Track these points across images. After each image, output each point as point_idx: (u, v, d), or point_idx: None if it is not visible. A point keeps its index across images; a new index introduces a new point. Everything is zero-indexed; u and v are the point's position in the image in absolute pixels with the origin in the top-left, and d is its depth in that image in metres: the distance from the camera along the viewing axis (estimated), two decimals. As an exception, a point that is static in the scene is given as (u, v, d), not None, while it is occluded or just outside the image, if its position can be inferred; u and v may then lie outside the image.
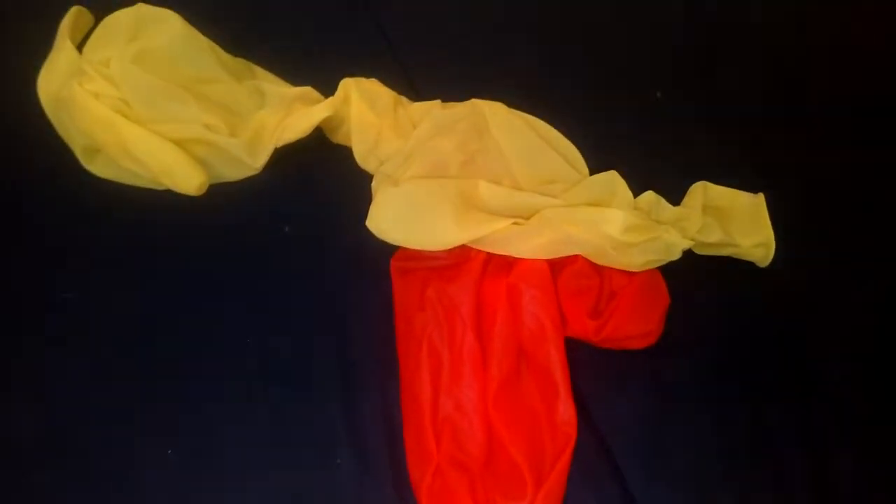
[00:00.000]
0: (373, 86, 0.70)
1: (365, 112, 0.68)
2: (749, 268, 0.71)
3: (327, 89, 0.70)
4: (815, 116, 0.81)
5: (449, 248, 0.63)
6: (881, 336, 0.71)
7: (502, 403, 0.60)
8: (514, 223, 0.63)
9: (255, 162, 0.67)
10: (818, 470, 0.64)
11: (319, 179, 0.71)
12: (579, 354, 0.64)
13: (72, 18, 0.69)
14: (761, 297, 0.71)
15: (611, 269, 0.65)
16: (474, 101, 0.71)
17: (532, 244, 0.64)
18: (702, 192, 0.70)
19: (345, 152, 0.70)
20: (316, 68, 0.73)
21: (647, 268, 0.65)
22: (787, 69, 0.83)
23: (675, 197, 0.70)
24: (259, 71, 0.74)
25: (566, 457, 0.59)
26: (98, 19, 0.70)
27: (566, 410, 0.60)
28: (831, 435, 0.66)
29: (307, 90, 0.71)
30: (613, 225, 0.62)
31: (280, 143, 0.67)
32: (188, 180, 0.66)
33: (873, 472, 0.65)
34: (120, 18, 0.68)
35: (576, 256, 0.65)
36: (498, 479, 0.59)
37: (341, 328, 0.65)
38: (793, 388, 0.68)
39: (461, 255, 0.65)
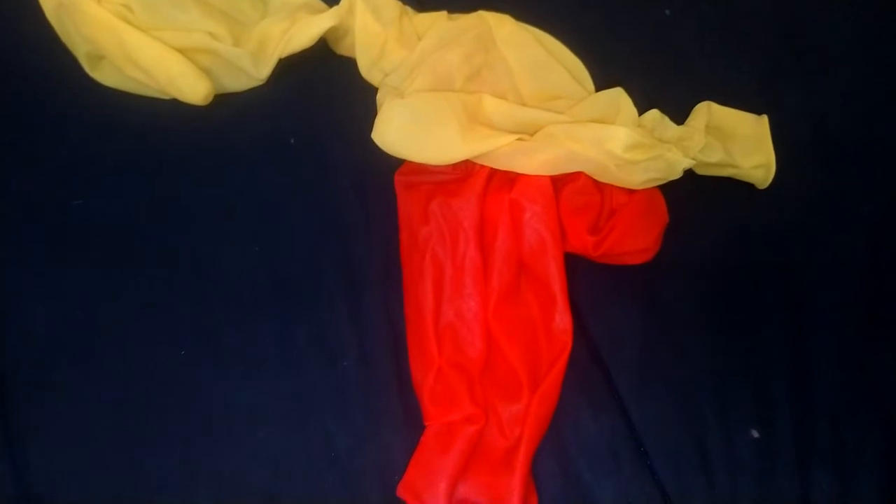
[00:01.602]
0: (378, -5, 0.69)
1: (370, 22, 0.67)
2: (747, 191, 0.72)
3: (330, -3, 0.69)
4: (823, 41, 0.79)
5: (453, 162, 0.64)
6: (874, 263, 0.72)
7: (502, 313, 0.63)
8: (519, 139, 0.63)
9: (259, 73, 0.67)
10: (802, 384, 0.67)
11: (324, 91, 0.71)
12: (578, 269, 0.66)
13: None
14: (759, 219, 0.72)
15: (612, 186, 0.66)
16: (481, 12, 0.70)
17: (535, 161, 0.64)
18: (706, 112, 0.69)
19: (349, 64, 0.70)
20: (320, -24, 0.72)
21: (647, 186, 0.66)
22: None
23: (680, 116, 0.70)
24: (262, -22, 0.73)
25: (561, 363, 0.62)
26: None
27: (563, 320, 0.62)
28: (818, 357, 0.68)
29: (311, -1, 0.70)
30: (616, 142, 0.62)
31: (284, 54, 0.66)
32: (193, 90, 0.65)
33: (855, 387, 0.68)
34: (122, -79, 0.66)
35: (578, 173, 0.65)
36: (496, 382, 0.62)
37: (347, 238, 0.67)
38: (784, 310, 0.70)
39: (465, 170, 0.66)
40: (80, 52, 0.68)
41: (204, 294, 0.64)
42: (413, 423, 0.62)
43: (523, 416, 0.60)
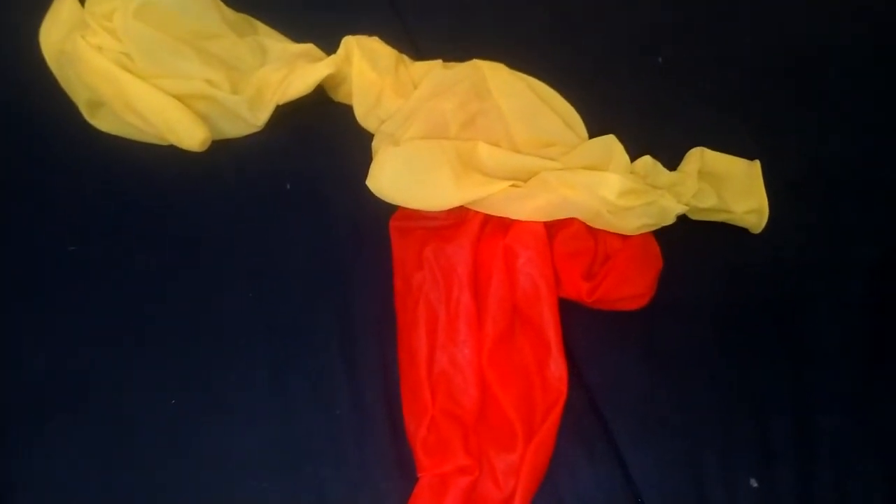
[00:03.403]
0: (375, 44, 0.70)
1: (366, 70, 0.68)
2: (743, 233, 0.72)
3: (329, 47, 0.70)
4: (815, 84, 0.80)
5: (447, 209, 0.64)
6: (872, 302, 0.72)
7: (496, 360, 0.62)
8: (512, 185, 0.64)
9: (256, 119, 0.68)
10: (803, 431, 0.66)
11: (321, 137, 0.72)
12: (573, 315, 0.66)
13: (74, -30, 0.69)
14: (754, 262, 0.72)
15: (606, 232, 0.66)
16: (475, 61, 0.71)
17: (529, 207, 0.64)
18: (698, 158, 0.70)
19: (346, 110, 0.70)
20: (318, 25, 0.73)
21: (641, 231, 0.66)
22: (792, 38, 0.82)
23: (674, 162, 0.71)
24: (261, 27, 0.74)
25: (556, 412, 0.61)
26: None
27: (558, 368, 0.62)
28: (819, 397, 0.67)
29: (309, 47, 0.71)
30: (610, 189, 0.63)
31: (282, 101, 0.67)
32: (191, 136, 0.66)
33: (857, 434, 0.67)
34: (123, -29, 0.68)
35: (572, 219, 0.66)
36: (490, 431, 0.61)
37: (341, 285, 0.66)
38: (783, 353, 0.69)
39: (459, 216, 0.66)
40: (81, 99, 0.69)
41: (196, 339, 0.64)
42: (406, 472, 0.61)
43: (518, 466, 0.59)
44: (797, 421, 0.66)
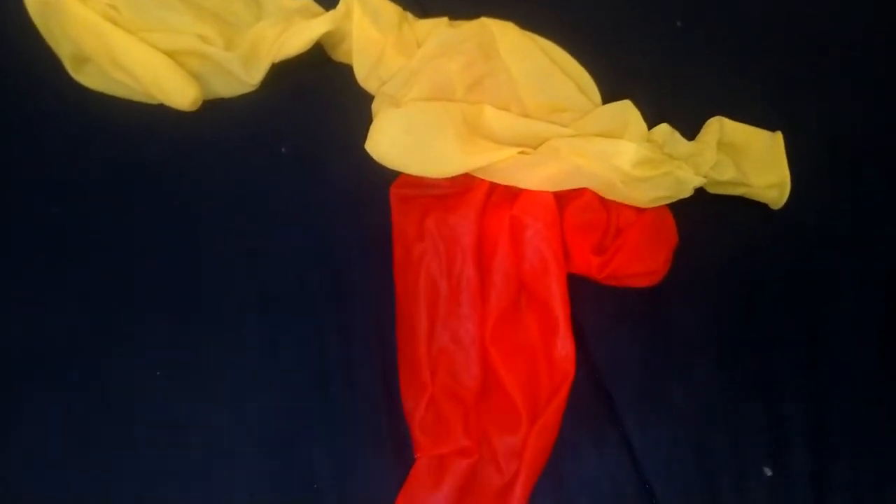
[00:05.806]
0: (376, 0, 0.66)
1: (367, 28, 0.65)
2: (762, 209, 0.69)
3: (329, 2, 0.66)
4: (841, 51, 0.77)
5: (450, 176, 0.62)
6: (893, 284, 0.69)
7: (500, 337, 0.60)
8: (521, 152, 0.61)
9: (251, 78, 0.65)
10: (817, 416, 0.64)
11: (319, 99, 0.69)
12: (582, 291, 0.64)
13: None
14: (774, 240, 0.69)
15: (619, 204, 0.64)
16: (483, 19, 0.67)
17: (538, 175, 0.62)
18: (718, 128, 0.67)
19: (346, 71, 0.67)
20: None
21: (656, 204, 0.64)
22: (816, 3, 0.78)
23: (691, 131, 0.68)
24: (257, -20, 0.71)
25: (562, 393, 0.59)
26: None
27: (565, 347, 0.60)
28: (834, 386, 0.66)
29: (307, 2, 0.68)
30: (624, 158, 0.60)
31: (277, 59, 0.64)
32: (181, 94, 0.63)
33: (873, 421, 0.65)
34: (109, -83, 0.64)
35: (583, 189, 0.63)
36: (492, 412, 0.60)
37: (338, 253, 0.64)
38: (799, 337, 0.67)
39: (464, 184, 0.63)
40: (65, 53, 0.66)
41: (185, 309, 0.62)
42: (403, 453, 0.59)
43: (521, 449, 0.57)
44: (811, 405, 0.65)
